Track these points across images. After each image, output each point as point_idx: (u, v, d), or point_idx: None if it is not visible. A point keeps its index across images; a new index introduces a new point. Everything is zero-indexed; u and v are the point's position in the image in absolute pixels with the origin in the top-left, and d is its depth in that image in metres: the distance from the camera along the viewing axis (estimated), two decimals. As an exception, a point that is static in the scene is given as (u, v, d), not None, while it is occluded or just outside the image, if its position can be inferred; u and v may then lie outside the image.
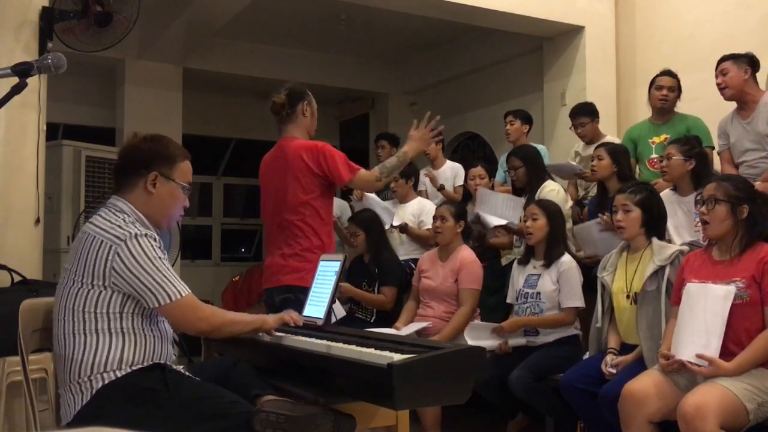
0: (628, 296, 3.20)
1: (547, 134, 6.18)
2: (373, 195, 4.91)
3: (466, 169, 5.16)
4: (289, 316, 2.45)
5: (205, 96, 7.97)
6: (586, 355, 3.50)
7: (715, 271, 2.79)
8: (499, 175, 5.37)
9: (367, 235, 4.48)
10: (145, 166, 2.18)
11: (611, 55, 6.00)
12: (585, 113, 4.87)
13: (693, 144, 3.74)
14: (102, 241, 2.04)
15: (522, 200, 4.38)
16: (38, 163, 3.88)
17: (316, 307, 2.57)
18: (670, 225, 3.60)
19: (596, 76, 5.90)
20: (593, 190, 4.63)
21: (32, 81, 2.69)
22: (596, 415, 3.09)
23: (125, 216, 2.12)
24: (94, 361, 2.01)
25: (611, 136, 4.98)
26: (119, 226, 2.07)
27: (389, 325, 4.09)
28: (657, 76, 4.52)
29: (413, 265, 4.58)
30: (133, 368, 2.04)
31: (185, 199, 2.27)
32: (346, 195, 6.41)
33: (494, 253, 4.59)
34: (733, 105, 4.07)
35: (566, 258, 3.73)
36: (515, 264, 3.99)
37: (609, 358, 3.16)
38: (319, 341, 2.22)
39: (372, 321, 4.34)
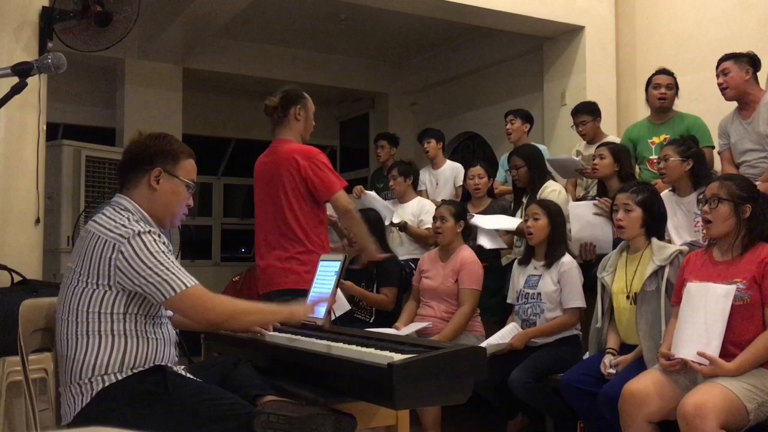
0: (627, 296, 3.20)
1: (547, 134, 6.18)
2: (372, 193, 4.91)
3: (466, 168, 5.16)
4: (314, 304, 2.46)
5: (205, 96, 7.98)
6: (586, 355, 3.50)
7: (716, 271, 2.79)
8: (500, 174, 5.37)
9: (370, 232, 4.45)
10: (148, 162, 2.18)
11: (611, 55, 6.00)
12: (587, 111, 4.86)
13: (689, 144, 3.74)
14: (106, 240, 2.04)
15: (518, 220, 4.37)
16: (38, 163, 3.88)
17: (315, 307, 2.57)
18: (670, 225, 3.60)
19: (596, 76, 5.90)
20: (593, 190, 4.62)
21: (32, 81, 2.69)
22: (596, 415, 3.08)
23: (129, 214, 2.12)
24: (95, 363, 2.00)
25: (612, 136, 4.97)
26: (123, 225, 2.06)
27: (389, 326, 4.09)
28: (653, 75, 4.49)
29: (413, 265, 4.58)
30: (134, 371, 2.03)
31: (189, 198, 2.26)
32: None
33: (494, 253, 4.59)
34: (734, 105, 4.07)
35: (567, 258, 3.72)
36: (515, 264, 3.98)
37: (607, 359, 3.15)
38: (319, 341, 2.22)
39: (371, 321, 4.33)
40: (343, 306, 3.87)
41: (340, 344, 2.12)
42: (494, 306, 4.30)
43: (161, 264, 2.04)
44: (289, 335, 2.36)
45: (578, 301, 3.67)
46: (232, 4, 5.64)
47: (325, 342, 2.19)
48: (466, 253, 4.06)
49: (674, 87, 4.44)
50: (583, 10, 5.90)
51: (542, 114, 6.25)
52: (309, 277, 2.84)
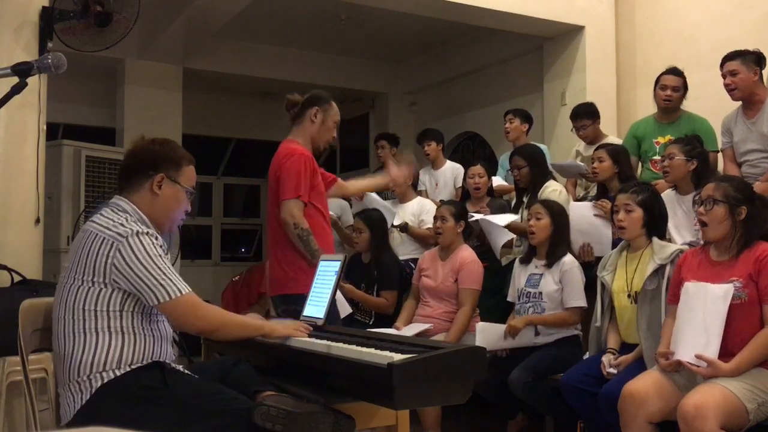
0: (628, 295, 3.21)
1: (547, 134, 6.18)
2: (374, 194, 4.90)
3: (466, 168, 5.16)
4: (300, 330, 2.38)
5: (205, 96, 7.98)
6: (586, 355, 3.50)
7: (714, 271, 2.79)
8: (500, 174, 5.37)
9: (372, 233, 4.45)
10: (152, 167, 2.20)
11: (611, 55, 5.99)
12: (586, 115, 4.83)
13: (695, 144, 3.73)
14: (103, 239, 2.05)
15: (511, 216, 4.36)
16: (38, 163, 3.87)
17: (316, 307, 2.57)
18: (671, 224, 3.60)
19: (596, 76, 5.90)
20: (593, 191, 4.62)
21: (32, 81, 2.69)
22: (596, 415, 3.08)
23: (127, 215, 2.13)
24: (93, 361, 2.01)
25: (612, 136, 4.97)
26: (121, 224, 2.08)
27: (388, 326, 4.09)
28: (662, 74, 4.43)
29: (413, 265, 4.57)
30: (133, 367, 2.04)
31: (188, 203, 2.29)
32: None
33: (494, 252, 4.59)
34: (737, 105, 4.04)
35: (568, 258, 3.72)
36: (517, 262, 3.98)
37: (606, 360, 3.15)
38: (319, 341, 2.22)
39: (371, 323, 4.33)
40: (344, 309, 3.86)
41: (340, 344, 2.12)
42: (494, 306, 4.29)
43: (158, 267, 2.05)
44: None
45: (579, 300, 3.67)
46: (232, 4, 5.64)
47: (325, 342, 2.19)
48: (466, 252, 4.06)
49: (681, 89, 4.37)
50: (583, 10, 5.90)
51: (542, 114, 6.25)
52: (307, 281, 2.82)
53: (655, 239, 3.23)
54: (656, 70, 4.58)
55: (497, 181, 5.09)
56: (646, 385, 2.74)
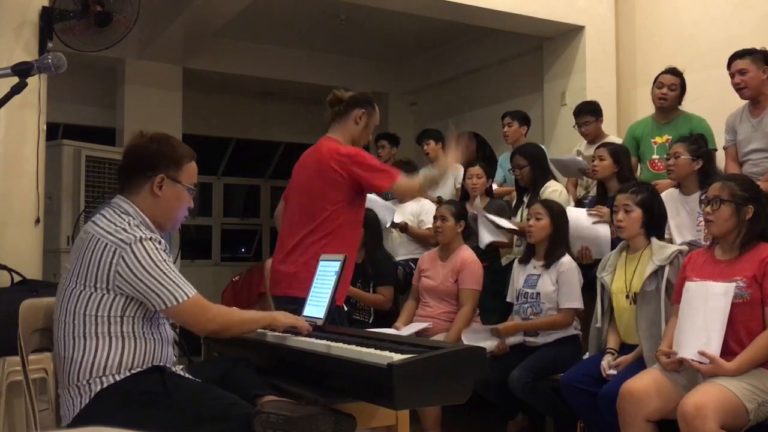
0: (627, 296, 3.21)
1: (547, 134, 6.18)
2: (373, 195, 4.89)
3: (465, 168, 5.15)
4: (301, 323, 2.38)
5: (205, 96, 7.97)
6: (586, 355, 3.50)
7: (717, 270, 2.79)
8: (499, 174, 5.37)
9: (366, 231, 4.44)
10: (151, 168, 2.16)
11: (611, 55, 6.00)
12: (589, 112, 4.85)
13: (700, 144, 3.73)
14: (106, 245, 2.03)
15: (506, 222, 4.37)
16: (38, 163, 3.87)
17: (316, 307, 2.57)
18: (673, 224, 3.60)
19: (596, 76, 5.90)
20: (594, 190, 4.62)
21: (32, 81, 2.69)
22: (596, 415, 3.08)
23: (130, 218, 2.10)
24: (93, 365, 2.00)
25: (613, 136, 4.97)
26: (124, 230, 2.05)
27: (388, 326, 4.09)
28: (660, 73, 4.45)
29: (413, 265, 4.58)
30: (133, 372, 2.03)
31: (190, 201, 2.25)
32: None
33: (494, 253, 4.59)
34: (738, 104, 4.04)
35: (566, 259, 3.72)
36: (516, 262, 3.98)
37: (605, 362, 3.15)
38: (319, 341, 2.21)
39: (370, 322, 4.33)
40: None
41: (340, 344, 2.12)
42: (494, 307, 4.29)
43: (164, 272, 2.04)
44: (289, 335, 2.36)
45: (574, 302, 3.67)
46: (232, 4, 5.63)
47: (325, 342, 2.19)
48: (466, 253, 4.07)
49: (678, 88, 4.38)
50: (583, 10, 5.90)
51: (542, 114, 6.25)
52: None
53: (654, 240, 3.23)
54: (656, 70, 4.59)
55: (495, 185, 5.09)
56: (646, 383, 2.74)
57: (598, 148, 4.27)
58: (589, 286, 3.66)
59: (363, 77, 8.05)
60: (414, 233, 4.84)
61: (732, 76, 3.92)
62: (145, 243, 2.04)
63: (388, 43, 7.45)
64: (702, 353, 2.61)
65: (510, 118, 5.21)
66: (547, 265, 3.74)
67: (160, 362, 2.09)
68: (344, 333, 2.42)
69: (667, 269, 3.09)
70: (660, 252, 3.15)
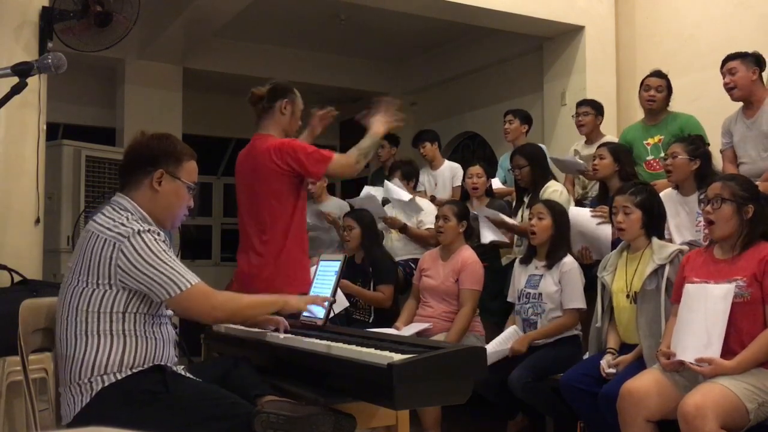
0: (628, 295, 3.21)
1: (547, 134, 6.18)
2: (391, 185, 4.86)
3: (465, 168, 5.16)
4: (318, 298, 2.44)
5: (205, 96, 7.97)
6: (586, 355, 3.50)
7: (717, 269, 2.79)
8: (499, 174, 5.37)
9: (363, 230, 4.45)
10: (151, 163, 2.17)
11: (611, 55, 6.00)
12: (591, 104, 4.91)
13: (698, 144, 3.74)
14: (106, 240, 2.04)
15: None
16: (38, 163, 3.87)
17: (316, 306, 2.57)
18: (672, 224, 3.60)
19: (596, 76, 5.90)
20: (593, 190, 4.62)
21: (32, 81, 2.69)
22: (596, 415, 3.08)
23: (129, 214, 2.11)
24: (94, 363, 2.00)
25: (611, 136, 4.97)
26: (122, 224, 2.06)
27: (388, 326, 4.09)
28: (646, 76, 4.50)
29: (413, 265, 4.58)
30: (134, 371, 2.03)
31: (190, 199, 2.26)
32: (346, 195, 6.41)
33: (494, 253, 4.59)
34: (737, 105, 4.05)
35: (568, 259, 3.72)
36: (517, 262, 3.98)
37: (605, 361, 3.15)
38: (319, 341, 2.21)
39: (370, 321, 4.33)
40: (341, 303, 3.86)
41: (340, 344, 2.12)
42: (495, 307, 4.29)
43: (164, 262, 2.04)
44: (289, 335, 2.36)
45: (578, 302, 3.67)
46: (232, 4, 5.64)
47: (325, 342, 2.19)
48: (467, 253, 4.06)
49: (665, 89, 4.42)
50: (583, 10, 5.90)
51: (542, 114, 6.25)
52: (279, 281, 2.85)
53: (654, 239, 3.23)
54: (656, 71, 4.60)
55: (496, 184, 5.09)
56: (646, 383, 2.74)
57: (599, 147, 4.28)
58: (590, 286, 3.66)
59: (363, 77, 8.06)
60: (413, 234, 4.84)
61: (723, 76, 3.96)
62: (143, 235, 2.04)
63: (388, 43, 7.45)
64: (700, 360, 2.61)
65: (512, 115, 5.22)
66: (549, 266, 3.73)
67: (161, 362, 2.09)
68: (344, 333, 2.42)
69: (667, 268, 3.09)
70: (661, 251, 3.15)
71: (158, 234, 2.09)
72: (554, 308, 3.69)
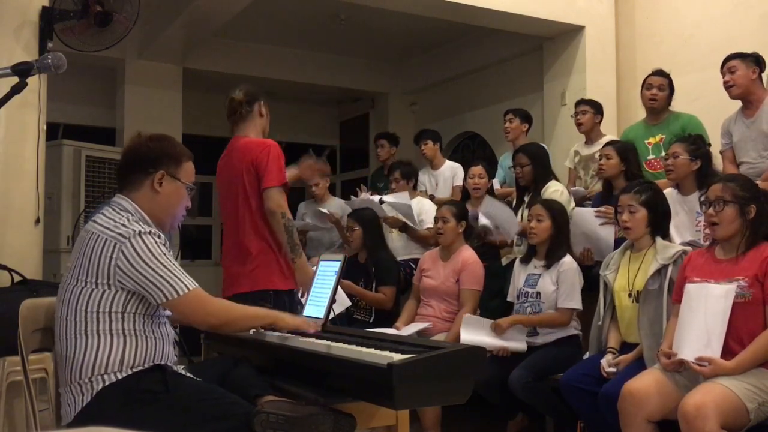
0: (630, 294, 3.21)
1: (547, 134, 6.18)
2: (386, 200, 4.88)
3: (466, 168, 5.16)
4: (309, 324, 2.41)
5: (205, 96, 7.97)
6: (586, 355, 3.50)
7: (718, 269, 2.79)
8: (499, 174, 5.37)
9: (364, 231, 4.46)
10: (152, 164, 2.18)
11: (611, 55, 5.99)
12: (589, 103, 4.90)
13: (699, 144, 3.74)
14: (106, 240, 2.04)
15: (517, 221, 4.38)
16: (38, 163, 3.87)
17: (316, 307, 2.57)
18: (672, 224, 3.59)
19: (596, 76, 5.90)
20: (594, 190, 4.62)
21: (32, 81, 2.69)
22: (596, 415, 3.09)
23: (129, 215, 2.12)
24: (95, 363, 2.01)
25: (610, 136, 4.97)
26: (123, 225, 2.07)
27: (389, 326, 4.09)
28: (648, 75, 4.50)
29: (413, 265, 4.58)
30: (134, 370, 2.03)
31: (188, 199, 2.28)
32: (347, 195, 6.40)
33: (494, 253, 4.59)
34: (738, 104, 4.05)
35: (567, 259, 3.73)
36: (517, 261, 3.99)
37: (605, 361, 3.15)
38: (319, 341, 2.22)
39: (371, 321, 4.33)
40: (343, 302, 3.86)
41: (340, 344, 2.12)
42: (495, 308, 4.29)
43: (163, 265, 2.05)
44: (289, 335, 2.36)
45: (573, 302, 3.66)
46: (232, 4, 5.63)
47: (325, 342, 2.19)
48: (467, 253, 4.06)
49: (667, 88, 4.42)
50: (583, 10, 5.90)
51: (542, 114, 6.24)
52: (261, 278, 2.93)
53: (658, 239, 3.23)
54: (656, 71, 4.59)
55: (495, 184, 5.09)
56: (646, 384, 2.74)
57: (604, 146, 4.28)
58: (590, 286, 3.66)
59: (363, 77, 8.05)
60: (413, 234, 4.84)
61: (723, 75, 3.97)
62: (144, 237, 2.05)
63: (388, 43, 7.45)
64: (700, 359, 2.61)
65: (512, 114, 5.22)
66: (547, 265, 3.74)
67: (161, 361, 2.10)
68: (344, 333, 2.42)
69: (670, 268, 3.09)
70: (664, 251, 3.15)
71: (159, 236, 2.10)
72: (551, 308, 3.69)
